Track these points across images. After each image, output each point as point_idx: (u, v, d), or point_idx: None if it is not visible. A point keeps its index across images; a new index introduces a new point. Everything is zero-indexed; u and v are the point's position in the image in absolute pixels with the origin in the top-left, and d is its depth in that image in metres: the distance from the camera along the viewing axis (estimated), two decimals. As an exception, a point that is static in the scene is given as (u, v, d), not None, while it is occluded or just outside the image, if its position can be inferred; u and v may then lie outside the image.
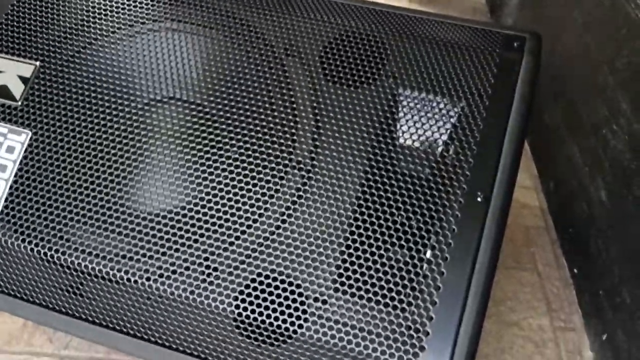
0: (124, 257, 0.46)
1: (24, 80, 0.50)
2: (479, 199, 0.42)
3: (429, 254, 0.43)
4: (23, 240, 0.47)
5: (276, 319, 0.42)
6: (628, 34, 0.58)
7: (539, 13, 0.92)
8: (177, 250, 0.46)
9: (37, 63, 0.51)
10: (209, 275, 0.45)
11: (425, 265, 0.43)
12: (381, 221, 0.44)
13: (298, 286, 0.43)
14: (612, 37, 0.62)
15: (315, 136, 0.47)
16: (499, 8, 1.15)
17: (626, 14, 0.59)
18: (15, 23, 0.53)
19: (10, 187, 0.47)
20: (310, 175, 0.46)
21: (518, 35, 0.48)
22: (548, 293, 0.65)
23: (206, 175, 0.48)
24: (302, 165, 0.47)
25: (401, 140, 0.48)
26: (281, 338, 0.43)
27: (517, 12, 1.03)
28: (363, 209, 0.45)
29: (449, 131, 0.47)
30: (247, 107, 0.49)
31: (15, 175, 0.48)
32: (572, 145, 0.73)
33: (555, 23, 0.83)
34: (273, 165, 0.47)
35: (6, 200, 0.47)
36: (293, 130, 0.48)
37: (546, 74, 0.84)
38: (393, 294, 0.42)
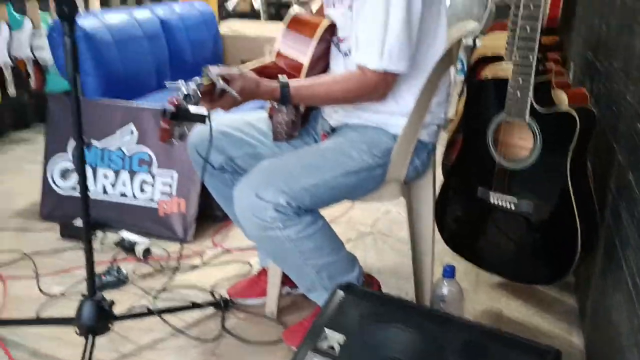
0: None
1: (339, 343, 1.23)
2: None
3: None
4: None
5: None
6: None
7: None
8: None
9: (343, 336, 1.24)
10: None
11: None
12: None
13: None
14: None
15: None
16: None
17: None
18: (338, 315, 1.28)
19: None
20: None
21: (549, 351, 1.13)
22: None
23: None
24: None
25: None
26: None
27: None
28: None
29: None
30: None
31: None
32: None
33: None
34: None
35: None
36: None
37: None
38: None
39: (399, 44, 1.42)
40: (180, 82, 1.33)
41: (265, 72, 1.53)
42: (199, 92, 1.29)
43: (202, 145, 1.66)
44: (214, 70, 1.35)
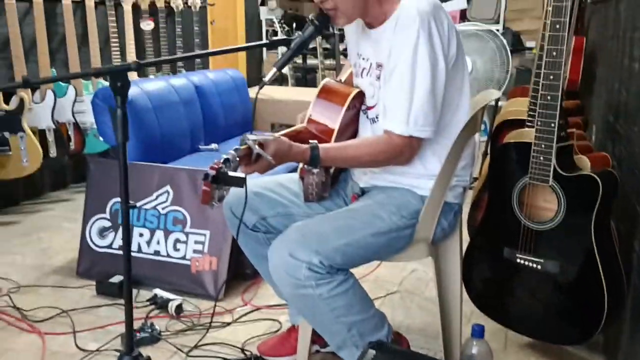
0: None
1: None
2: None
3: None
4: None
5: None
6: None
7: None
8: None
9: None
10: None
11: None
12: None
13: None
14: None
15: None
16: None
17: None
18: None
19: None
20: None
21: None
22: None
23: None
24: None
25: None
26: None
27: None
28: None
29: None
30: None
31: None
32: None
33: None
34: None
35: None
36: None
37: None
38: None
39: (424, 111, 1.51)
40: (214, 145, 1.42)
41: (298, 137, 1.63)
42: (237, 157, 1.38)
43: (237, 206, 1.74)
44: (251, 137, 1.44)
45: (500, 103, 3.44)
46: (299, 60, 5.58)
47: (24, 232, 3.08)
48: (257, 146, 1.43)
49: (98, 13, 3.58)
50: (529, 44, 5.35)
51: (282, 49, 5.02)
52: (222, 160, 1.34)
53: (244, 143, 1.43)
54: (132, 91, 2.65)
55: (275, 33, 5.68)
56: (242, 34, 5.80)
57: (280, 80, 4.94)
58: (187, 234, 2.40)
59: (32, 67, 3.25)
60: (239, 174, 1.35)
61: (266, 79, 1.53)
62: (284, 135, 1.58)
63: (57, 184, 3.75)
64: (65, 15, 3.36)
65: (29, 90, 3.11)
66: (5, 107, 3.01)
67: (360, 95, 1.70)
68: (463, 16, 5.79)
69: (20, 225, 3.19)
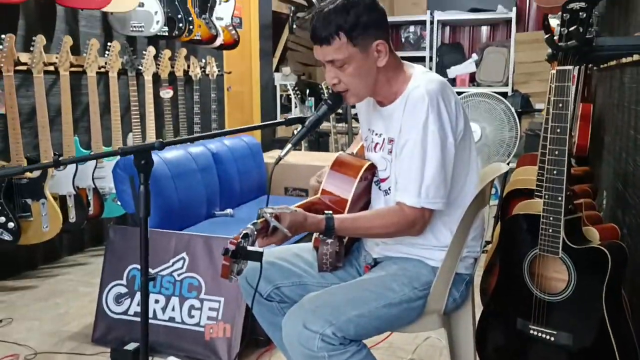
0: None
1: None
2: None
3: None
4: None
5: None
6: None
7: None
8: None
9: None
10: None
11: None
12: None
13: None
14: None
15: None
16: None
17: None
18: None
19: None
20: None
21: None
22: None
23: None
24: None
25: None
26: None
27: None
28: None
29: None
30: None
31: None
32: None
33: None
34: None
35: None
36: None
37: None
38: None
39: (435, 184, 1.56)
40: (229, 210, 1.47)
41: (313, 208, 1.68)
42: (255, 232, 1.43)
43: (252, 276, 1.78)
44: (268, 211, 1.50)
45: (510, 165, 3.50)
46: (312, 124, 5.71)
47: (42, 297, 3.12)
48: (273, 219, 1.48)
49: (120, 83, 3.73)
50: (538, 105, 5.46)
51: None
52: (241, 235, 1.39)
53: (260, 216, 1.49)
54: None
55: (289, 97, 5.85)
56: (257, 99, 5.98)
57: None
58: (201, 301, 2.43)
59: (55, 135, 3.37)
60: (257, 248, 1.40)
61: (282, 153, 1.60)
62: (299, 206, 1.63)
63: (75, 247, 3.81)
64: (89, 86, 3.50)
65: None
66: (29, 175, 3.11)
67: (372, 168, 1.76)
68: (472, 79, 5.94)
69: (38, 289, 3.23)
